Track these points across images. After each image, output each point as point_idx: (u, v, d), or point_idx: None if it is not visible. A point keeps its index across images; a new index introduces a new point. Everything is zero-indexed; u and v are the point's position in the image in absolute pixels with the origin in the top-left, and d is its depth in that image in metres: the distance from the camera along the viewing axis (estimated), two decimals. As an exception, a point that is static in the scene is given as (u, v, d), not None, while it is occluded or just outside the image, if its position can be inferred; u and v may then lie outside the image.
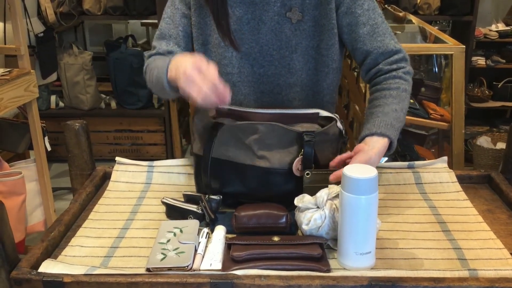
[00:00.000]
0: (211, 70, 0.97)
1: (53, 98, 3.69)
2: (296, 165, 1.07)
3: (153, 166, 1.30)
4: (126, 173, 1.27)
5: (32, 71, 2.19)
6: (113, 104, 3.70)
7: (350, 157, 1.05)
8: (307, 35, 1.22)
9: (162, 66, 1.09)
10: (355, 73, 2.73)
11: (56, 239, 1.02)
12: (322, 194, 0.98)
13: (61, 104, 3.72)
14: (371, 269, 0.92)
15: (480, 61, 3.98)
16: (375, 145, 1.08)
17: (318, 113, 1.15)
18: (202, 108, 1.15)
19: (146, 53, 1.28)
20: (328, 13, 1.20)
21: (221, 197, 1.08)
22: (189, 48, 1.28)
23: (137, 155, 3.70)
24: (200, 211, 1.06)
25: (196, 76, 0.96)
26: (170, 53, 1.23)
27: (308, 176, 1.05)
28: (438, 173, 1.25)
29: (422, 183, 1.23)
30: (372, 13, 1.20)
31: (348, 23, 1.21)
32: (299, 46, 1.22)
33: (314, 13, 1.21)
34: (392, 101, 1.16)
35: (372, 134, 1.10)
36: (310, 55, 1.24)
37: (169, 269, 0.90)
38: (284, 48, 1.22)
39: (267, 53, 1.23)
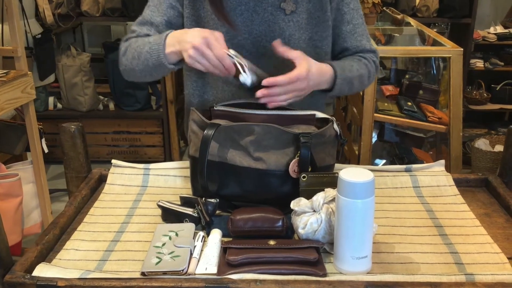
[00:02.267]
0: (220, 42, 1.03)
1: (51, 99, 3.68)
2: (293, 167, 1.06)
3: (149, 169, 1.29)
4: (122, 176, 1.27)
5: (29, 72, 2.18)
6: (111, 105, 3.70)
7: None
8: (300, 27, 1.23)
9: (156, 41, 1.12)
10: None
11: (51, 243, 1.02)
12: (319, 197, 0.98)
13: (59, 105, 3.72)
14: (368, 273, 0.91)
15: (479, 63, 3.99)
16: (320, 64, 1.15)
17: (314, 115, 1.14)
18: (196, 110, 1.16)
19: (124, 37, 1.28)
20: (323, 6, 1.24)
21: (218, 200, 1.08)
22: None
23: (135, 157, 3.69)
24: (196, 215, 1.06)
25: (205, 50, 1.02)
26: (162, 24, 1.24)
27: (304, 179, 1.05)
28: (436, 176, 1.24)
29: (419, 187, 1.22)
30: (355, 13, 1.28)
31: (334, 19, 1.27)
32: (292, 38, 1.23)
33: (308, 5, 1.23)
34: (352, 61, 1.26)
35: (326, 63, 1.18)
36: (302, 48, 1.24)
37: (164, 273, 0.89)
38: (277, 39, 1.22)
39: (260, 44, 1.23)
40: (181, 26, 1.27)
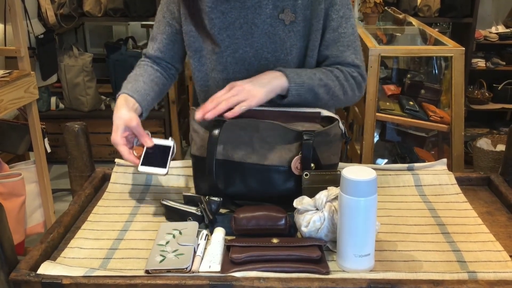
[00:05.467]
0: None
1: (53, 99, 3.69)
2: (295, 163, 1.07)
3: (153, 168, 1.29)
4: (126, 175, 1.27)
5: (32, 72, 2.19)
6: (113, 105, 3.70)
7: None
8: (301, 36, 1.21)
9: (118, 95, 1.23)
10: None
11: (55, 241, 1.02)
12: (321, 196, 0.98)
13: (61, 105, 3.73)
14: (370, 271, 0.91)
15: (480, 63, 3.99)
16: (269, 71, 1.14)
17: (319, 113, 1.15)
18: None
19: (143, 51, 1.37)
20: (319, 14, 1.20)
21: (221, 199, 1.08)
22: (171, 55, 1.33)
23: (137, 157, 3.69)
24: (200, 213, 1.06)
25: (118, 146, 1.13)
26: (156, 58, 1.33)
27: (307, 177, 1.05)
28: (438, 175, 1.25)
29: (421, 185, 1.23)
30: (344, 21, 1.21)
31: (322, 24, 1.21)
32: (294, 48, 1.21)
33: (306, 13, 1.20)
34: (317, 71, 1.19)
35: (277, 70, 1.15)
36: (303, 55, 1.24)
37: (168, 271, 0.90)
38: (279, 50, 1.21)
39: (262, 56, 1.22)
40: (182, 42, 1.30)
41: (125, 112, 1.15)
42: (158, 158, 1.12)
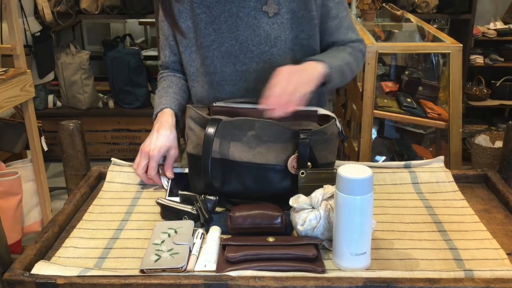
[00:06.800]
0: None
1: (50, 97, 3.68)
2: (292, 162, 1.06)
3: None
4: (121, 174, 1.27)
5: (28, 70, 2.18)
6: (111, 103, 3.70)
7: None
8: (285, 28, 1.22)
9: (154, 111, 1.28)
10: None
11: (50, 240, 1.02)
12: (317, 194, 0.98)
13: (59, 103, 3.72)
14: (366, 269, 0.91)
15: (479, 59, 3.98)
16: (308, 63, 1.14)
17: (316, 111, 1.14)
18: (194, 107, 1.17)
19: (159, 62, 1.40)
20: (308, 4, 1.21)
21: (217, 197, 1.07)
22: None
23: (135, 154, 3.66)
24: (195, 212, 1.06)
25: (141, 158, 1.21)
26: (173, 63, 1.35)
27: (303, 176, 1.05)
28: (435, 172, 1.24)
29: (418, 183, 1.22)
30: (341, 6, 1.26)
31: (320, 15, 1.25)
32: (278, 40, 1.22)
33: (291, 5, 1.21)
34: (334, 51, 1.25)
35: (310, 60, 1.16)
36: (289, 47, 1.24)
37: (163, 270, 0.89)
38: (263, 43, 1.22)
39: (247, 49, 1.22)
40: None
41: (174, 136, 1.21)
42: (180, 186, 1.19)
